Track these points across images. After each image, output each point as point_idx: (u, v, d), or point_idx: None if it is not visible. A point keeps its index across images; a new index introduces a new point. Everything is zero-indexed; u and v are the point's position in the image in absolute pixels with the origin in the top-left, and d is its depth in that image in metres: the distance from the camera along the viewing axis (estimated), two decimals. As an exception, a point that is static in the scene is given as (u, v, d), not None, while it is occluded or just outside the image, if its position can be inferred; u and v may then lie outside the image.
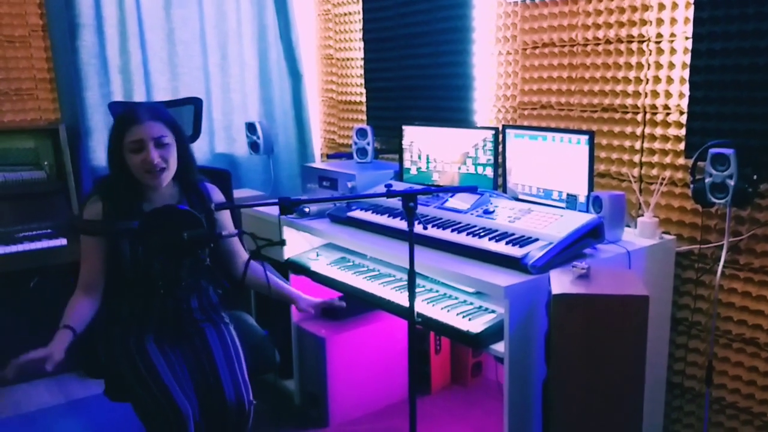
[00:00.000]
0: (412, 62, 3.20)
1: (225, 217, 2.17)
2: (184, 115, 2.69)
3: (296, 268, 2.63)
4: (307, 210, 2.67)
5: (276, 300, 2.18)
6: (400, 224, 2.35)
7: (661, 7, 2.28)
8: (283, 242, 1.89)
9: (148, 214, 1.85)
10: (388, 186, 2.00)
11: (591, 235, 2.08)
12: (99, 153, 3.26)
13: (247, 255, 2.21)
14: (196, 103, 2.36)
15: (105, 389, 2.10)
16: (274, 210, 1.87)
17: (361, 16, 3.51)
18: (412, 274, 1.82)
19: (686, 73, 2.21)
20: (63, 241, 3.01)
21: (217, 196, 2.17)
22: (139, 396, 1.93)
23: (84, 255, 2.00)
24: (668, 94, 2.30)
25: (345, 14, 3.74)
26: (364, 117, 3.62)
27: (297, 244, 2.73)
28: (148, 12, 3.37)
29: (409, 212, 1.80)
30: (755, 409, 2.20)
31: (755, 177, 2.01)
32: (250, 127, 3.48)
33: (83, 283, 2.00)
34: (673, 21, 2.26)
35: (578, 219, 2.10)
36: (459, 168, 2.72)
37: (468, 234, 2.19)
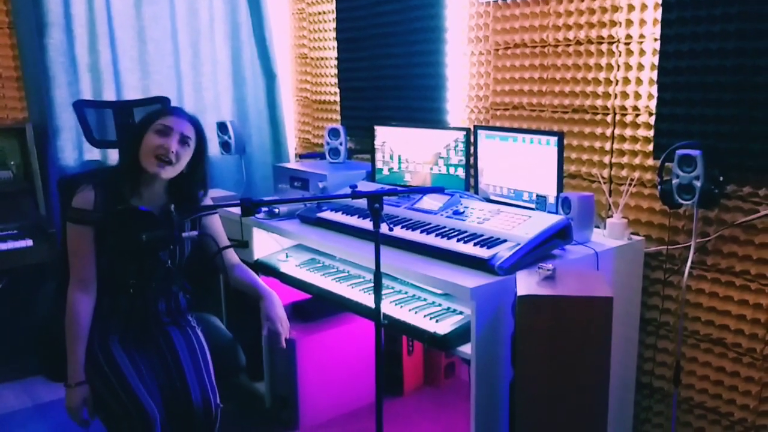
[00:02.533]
0: (386, 62, 3.19)
1: (214, 223, 2.15)
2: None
3: (265, 269, 2.60)
4: (277, 211, 2.64)
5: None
6: (370, 225, 2.29)
7: (631, 8, 2.28)
8: (245, 244, 1.87)
9: (110, 215, 1.82)
10: (353, 187, 1.99)
11: (559, 236, 2.08)
12: (67, 152, 3.21)
13: (236, 258, 2.20)
14: (163, 102, 2.33)
15: (67, 393, 2.06)
16: (238, 210, 1.84)
17: (335, 15, 3.49)
18: (378, 276, 1.80)
19: (655, 75, 2.22)
20: (29, 242, 2.96)
21: (206, 200, 2.14)
22: (103, 398, 1.90)
23: (74, 246, 1.94)
24: (637, 96, 2.31)
25: (319, 13, 3.72)
26: (339, 116, 3.60)
27: (267, 245, 2.70)
28: (117, 10, 3.32)
29: (375, 213, 1.78)
30: (722, 409, 2.21)
31: (722, 178, 2.01)
32: (221, 127, 3.44)
33: (79, 279, 1.93)
34: (642, 22, 2.26)
35: (546, 220, 2.10)
36: (431, 168, 2.70)
37: (437, 235, 2.18)
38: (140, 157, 1.93)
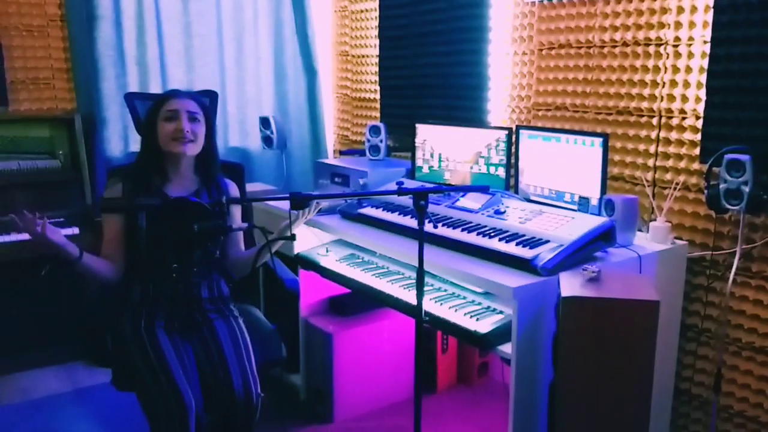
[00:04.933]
0: (427, 60, 3.20)
1: (235, 210, 2.22)
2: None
3: (306, 263, 2.64)
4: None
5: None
6: (411, 222, 2.35)
7: (680, 10, 2.26)
8: (293, 237, 1.90)
9: (160, 204, 1.87)
10: (400, 184, 2.00)
11: (602, 238, 2.07)
12: (114, 143, 3.29)
13: (242, 247, 2.26)
14: (211, 96, 2.36)
15: (112, 378, 2.12)
16: (286, 205, 1.87)
17: (377, 13, 3.52)
18: (421, 273, 1.82)
19: (704, 78, 2.20)
20: (75, 230, 3.03)
21: (234, 191, 2.24)
22: (144, 381, 1.95)
23: (105, 234, 2.07)
24: (684, 99, 2.29)
25: (362, 11, 3.74)
26: (378, 114, 3.62)
27: (307, 239, 2.73)
28: (165, 5, 3.39)
29: (420, 211, 1.79)
30: (763, 419, 2.18)
31: (771, 184, 1.99)
32: (264, 122, 3.49)
33: (103, 255, 2.06)
34: (692, 24, 2.24)
35: (590, 222, 2.09)
36: (471, 167, 2.71)
37: (478, 234, 2.19)
38: (162, 145, 2.05)
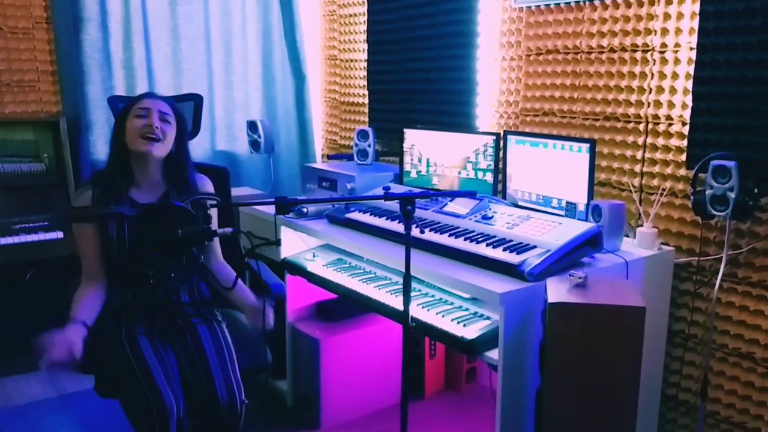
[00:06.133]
0: (416, 65, 3.20)
1: (211, 211, 2.16)
2: (184, 111, 2.68)
3: (292, 268, 2.62)
4: (305, 210, 2.66)
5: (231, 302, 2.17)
6: (398, 227, 2.34)
7: (667, 17, 2.27)
8: (278, 242, 1.88)
9: (142, 210, 1.85)
10: (387, 188, 1.99)
11: (589, 244, 2.07)
12: (99, 147, 3.27)
13: (221, 258, 2.24)
14: (196, 100, 2.35)
15: (95, 385, 2.09)
16: (272, 209, 1.85)
17: (366, 18, 3.51)
18: (408, 278, 1.80)
19: (690, 84, 2.20)
20: (60, 234, 3.01)
21: (208, 187, 2.19)
22: (126, 387, 1.93)
23: (80, 246, 2.02)
24: (671, 105, 2.29)
25: (350, 15, 3.74)
26: (366, 119, 3.61)
27: (294, 244, 2.71)
28: (153, 7, 3.37)
29: (407, 215, 1.78)
30: (750, 425, 2.18)
31: (756, 190, 1.99)
32: (252, 126, 3.47)
33: (86, 275, 2.02)
34: (678, 31, 2.25)
35: (577, 227, 2.09)
36: (459, 173, 2.70)
37: (465, 239, 2.18)
38: (128, 143, 2.00)
